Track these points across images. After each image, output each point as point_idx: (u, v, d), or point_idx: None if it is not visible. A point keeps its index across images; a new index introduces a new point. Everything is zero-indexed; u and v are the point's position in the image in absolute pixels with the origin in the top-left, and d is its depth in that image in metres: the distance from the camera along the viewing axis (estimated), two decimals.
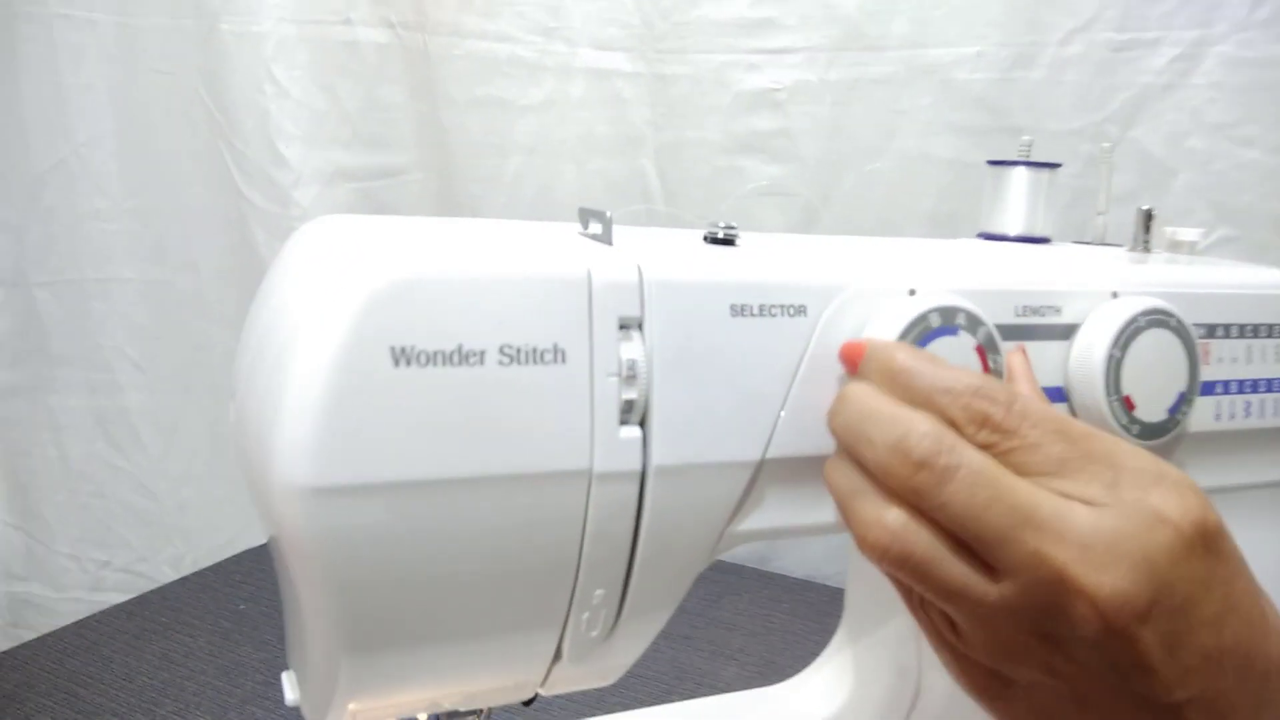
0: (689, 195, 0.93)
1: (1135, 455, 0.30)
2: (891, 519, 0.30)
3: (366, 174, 0.98)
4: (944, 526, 0.29)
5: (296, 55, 0.96)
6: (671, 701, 0.61)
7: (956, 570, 0.29)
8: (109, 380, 1.01)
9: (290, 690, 0.35)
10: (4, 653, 0.69)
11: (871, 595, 0.54)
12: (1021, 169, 0.51)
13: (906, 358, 0.32)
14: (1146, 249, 0.49)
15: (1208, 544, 0.29)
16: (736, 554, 0.97)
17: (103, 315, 1.00)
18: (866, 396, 0.31)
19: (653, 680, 0.69)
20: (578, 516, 0.31)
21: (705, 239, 0.37)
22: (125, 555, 1.03)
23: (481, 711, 0.40)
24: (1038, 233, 0.51)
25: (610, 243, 0.34)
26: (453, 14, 0.92)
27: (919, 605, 0.33)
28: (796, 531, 0.36)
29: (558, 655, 0.34)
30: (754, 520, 0.35)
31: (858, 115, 0.87)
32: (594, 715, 0.58)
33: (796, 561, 0.92)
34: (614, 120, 0.93)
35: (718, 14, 0.88)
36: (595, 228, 0.35)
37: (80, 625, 0.73)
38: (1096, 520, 0.28)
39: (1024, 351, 0.36)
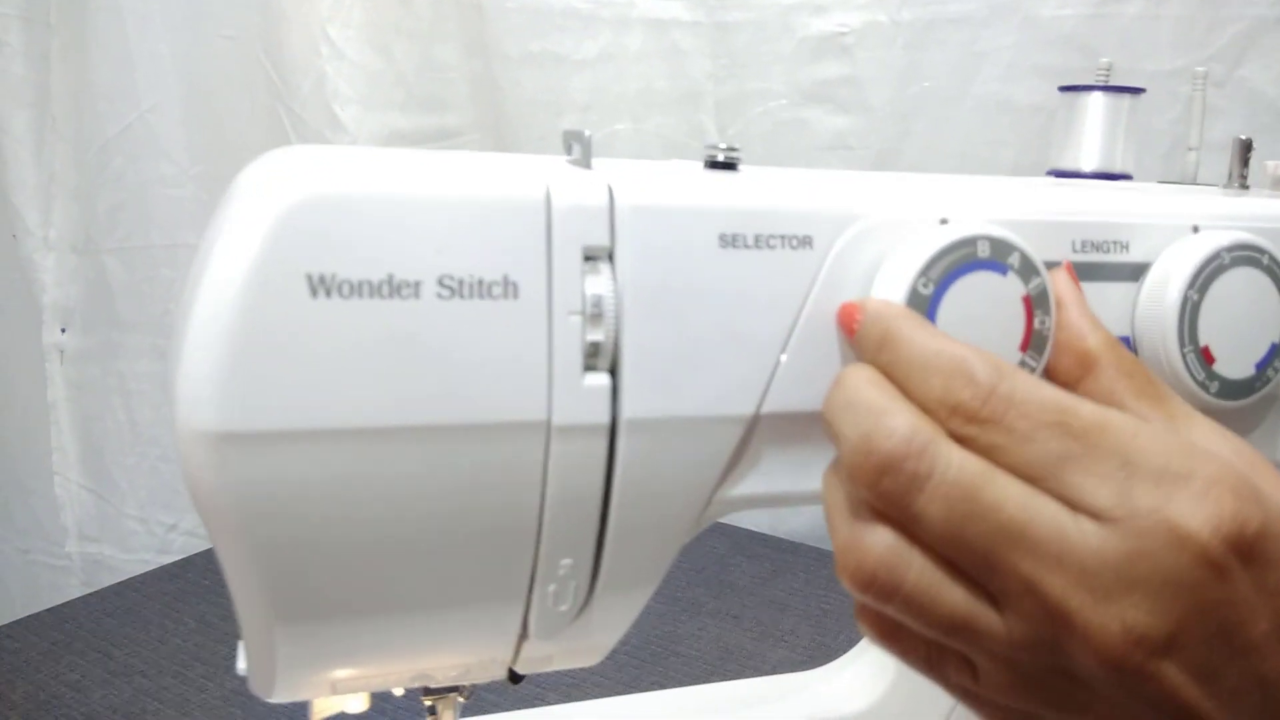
0: (751, 151, 0.87)
1: (1157, 447, 0.24)
2: (874, 542, 0.25)
3: (422, 136, 0.96)
4: (929, 545, 0.24)
5: (352, 14, 0.93)
6: (712, 682, 0.57)
7: (958, 600, 0.24)
8: None
9: (241, 660, 0.32)
10: (46, 611, 0.69)
11: None
12: (1098, 95, 0.45)
13: (902, 327, 0.26)
14: (1244, 186, 0.43)
15: (1247, 555, 0.23)
16: (793, 530, 0.93)
17: (169, 281, 1.01)
18: (853, 380, 0.26)
19: (695, 660, 0.65)
20: (535, 475, 0.27)
21: (706, 164, 0.33)
22: (192, 518, 1.03)
23: (463, 687, 0.36)
24: (1116, 169, 0.45)
25: (589, 167, 0.30)
26: None
27: (920, 653, 0.27)
28: (802, 499, 0.31)
29: (525, 631, 0.30)
30: (749, 484, 0.30)
31: (933, 59, 0.80)
32: (623, 694, 0.54)
33: None
34: (672, 74, 0.88)
35: None
36: (577, 152, 0.31)
37: (122, 586, 0.73)
38: (1102, 540, 0.23)
39: (1070, 269, 0.30)
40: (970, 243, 0.28)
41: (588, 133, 0.30)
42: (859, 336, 0.28)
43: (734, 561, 0.81)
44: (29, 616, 0.68)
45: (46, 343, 1.02)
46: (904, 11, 0.80)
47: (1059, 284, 0.29)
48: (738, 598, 0.74)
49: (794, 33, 0.83)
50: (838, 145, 0.84)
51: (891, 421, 0.24)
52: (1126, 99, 0.44)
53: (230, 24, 0.97)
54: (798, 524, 0.89)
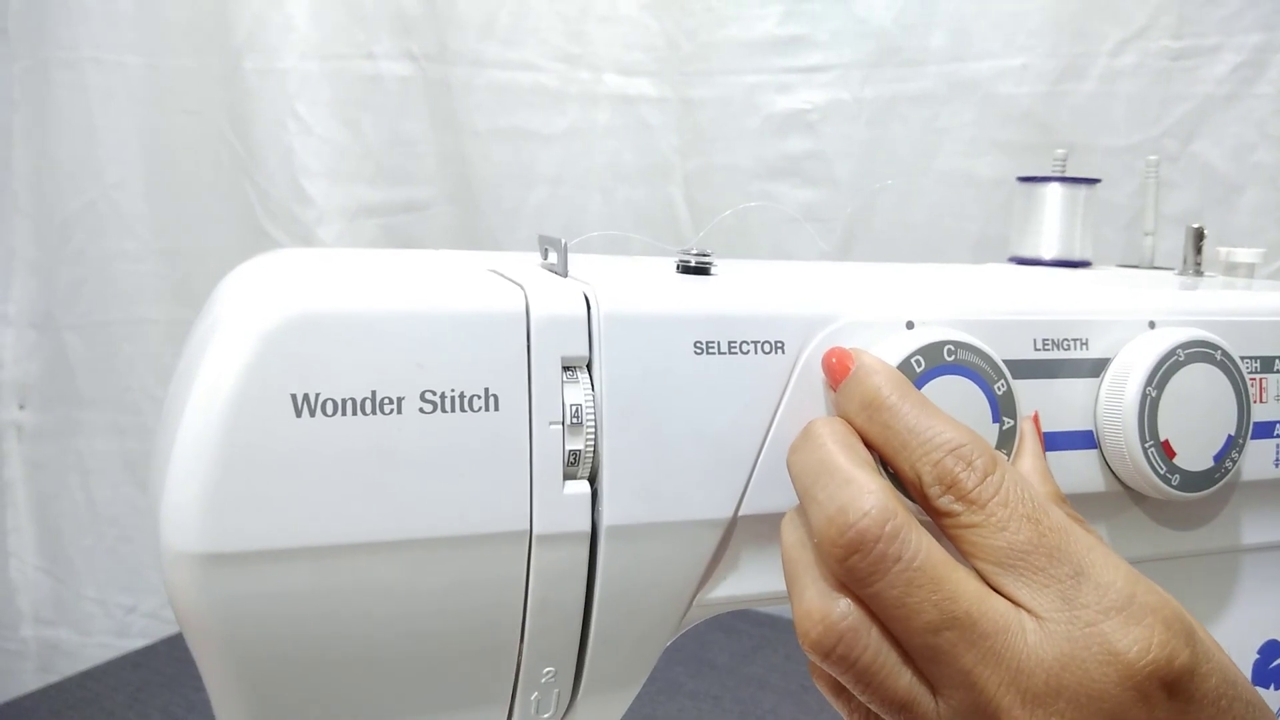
0: (721, 224, 0.89)
1: (1107, 565, 0.25)
2: (838, 613, 0.25)
3: (390, 209, 0.96)
4: (883, 624, 0.25)
5: (319, 91, 0.94)
6: None
7: (903, 682, 0.25)
8: (137, 423, 1.00)
9: None
10: (3, 705, 0.67)
11: None
12: (1055, 185, 0.46)
13: (893, 392, 0.27)
14: (1198, 272, 0.44)
15: (1172, 687, 0.24)
16: (774, 606, 0.92)
17: (130, 357, 1.00)
18: (829, 440, 0.27)
19: None
20: (517, 585, 0.27)
21: (678, 268, 0.33)
22: (152, 600, 1.01)
23: None
24: (1075, 256, 0.46)
25: (565, 273, 0.30)
26: (474, 43, 0.90)
27: (861, 715, 0.28)
28: (782, 599, 0.31)
29: None
30: (728, 587, 0.30)
31: (895, 134, 0.82)
32: None
33: None
34: (641, 148, 0.90)
35: (745, 33, 0.84)
36: (553, 257, 0.32)
37: (84, 676, 0.71)
38: (1040, 641, 0.24)
39: (1036, 420, 0.32)
40: (937, 348, 0.29)
41: (564, 240, 0.31)
42: (848, 388, 0.28)
43: (713, 639, 0.80)
44: None
45: (3, 419, 1.00)
46: (866, 89, 0.82)
47: (1024, 429, 0.31)
48: (717, 677, 0.74)
49: (759, 109, 0.85)
50: (806, 218, 0.85)
51: (867, 500, 0.25)
52: (1083, 189, 0.46)
53: (195, 99, 0.97)
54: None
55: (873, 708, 0.26)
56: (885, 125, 0.83)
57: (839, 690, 0.28)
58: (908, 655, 0.25)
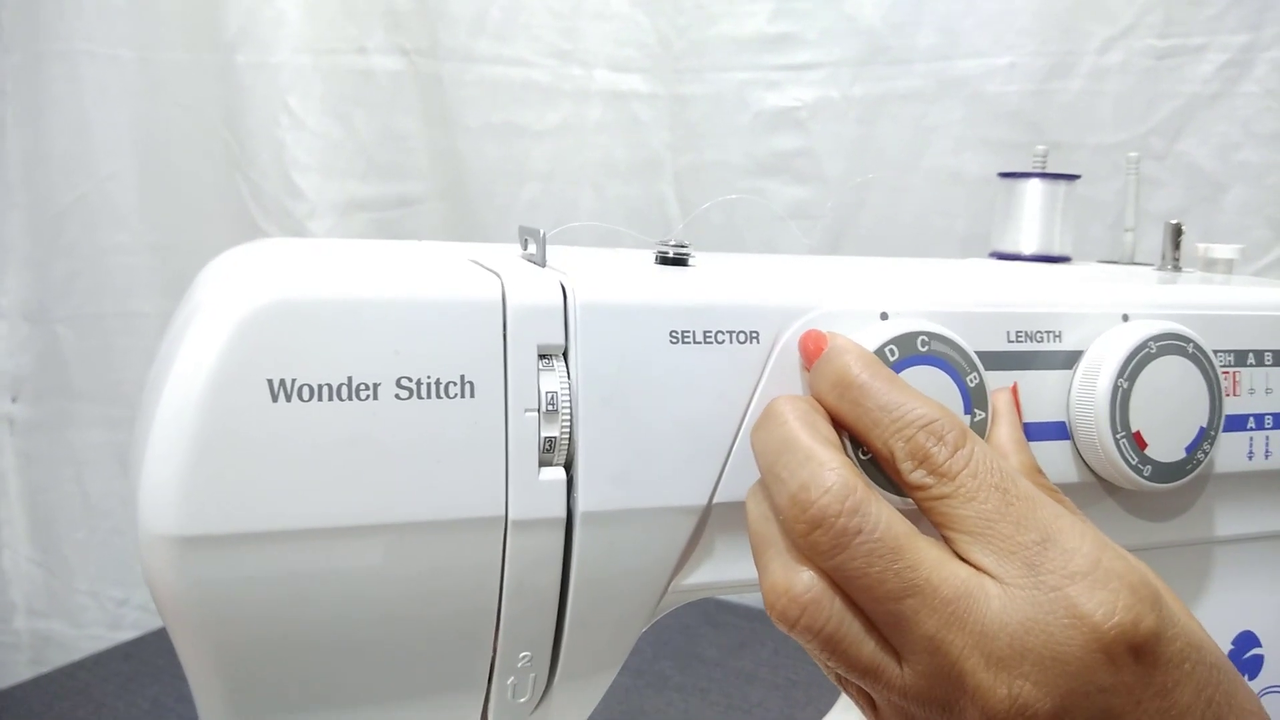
0: (709, 219, 0.89)
1: (1074, 532, 0.25)
2: (801, 585, 0.26)
3: (382, 204, 0.97)
4: (847, 594, 0.25)
5: (311, 85, 0.94)
6: None
7: (867, 649, 0.26)
8: (129, 416, 0.99)
9: None
10: None
11: None
12: (1035, 181, 0.46)
13: (864, 371, 0.28)
14: (1176, 268, 0.45)
15: (1138, 650, 0.24)
16: (753, 595, 0.93)
17: (124, 350, 1.00)
18: (791, 418, 0.27)
19: None
20: (493, 570, 0.28)
21: (656, 260, 0.34)
22: (143, 593, 1.01)
23: None
24: (1055, 251, 0.46)
25: (543, 263, 0.31)
26: (465, 39, 0.91)
27: (834, 676, 0.29)
28: (756, 586, 0.32)
29: None
30: (704, 573, 0.31)
31: (884, 132, 0.83)
32: None
33: None
34: (632, 144, 0.90)
35: (736, 30, 0.85)
36: (533, 248, 0.32)
37: (74, 667, 0.72)
38: (1004, 605, 0.24)
39: (1015, 392, 0.32)
40: (910, 338, 0.30)
41: (542, 230, 0.31)
42: (820, 368, 0.29)
43: (701, 632, 0.81)
44: None
45: None
46: (855, 87, 0.82)
47: (999, 402, 0.31)
48: (705, 670, 0.74)
49: (749, 106, 0.85)
50: (795, 214, 0.85)
51: (828, 476, 0.26)
52: (1063, 185, 0.46)
53: (188, 93, 0.97)
54: None
55: (841, 674, 0.27)
56: (874, 123, 0.83)
57: (813, 654, 0.29)
58: (872, 624, 0.26)
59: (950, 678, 0.24)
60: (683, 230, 0.90)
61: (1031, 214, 0.46)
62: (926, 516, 0.27)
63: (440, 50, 0.91)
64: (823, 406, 0.29)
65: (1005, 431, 0.31)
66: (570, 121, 0.91)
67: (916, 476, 0.26)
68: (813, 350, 0.30)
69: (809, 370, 0.30)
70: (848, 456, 0.27)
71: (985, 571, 0.25)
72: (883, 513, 0.25)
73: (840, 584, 0.26)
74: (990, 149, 0.80)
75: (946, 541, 0.26)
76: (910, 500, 0.27)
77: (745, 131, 0.86)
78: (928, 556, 0.25)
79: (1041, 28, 0.77)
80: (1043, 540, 0.25)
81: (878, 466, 0.28)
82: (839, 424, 0.29)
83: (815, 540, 0.25)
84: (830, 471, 0.26)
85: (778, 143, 0.86)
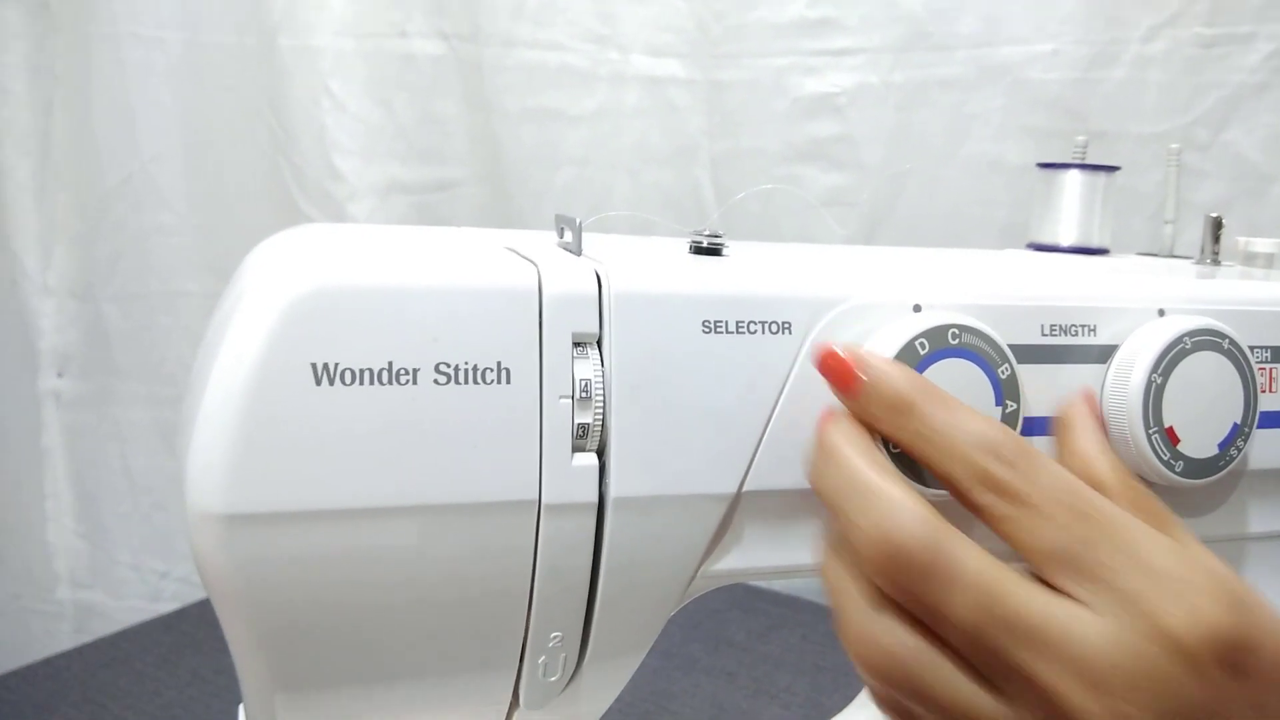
0: (745, 207, 0.89)
1: (1160, 552, 0.25)
2: (886, 635, 0.26)
3: (421, 187, 0.98)
4: (939, 636, 0.25)
5: (353, 69, 0.95)
6: None
7: (965, 691, 0.25)
8: (172, 393, 1.02)
9: None
10: (39, 663, 0.70)
11: None
12: (1075, 172, 0.46)
13: (917, 395, 0.28)
14: (1216, 261, 0.44)
15: (1234, 666, 0.24)
16: (791, 585, 0.93)
17: (167, 329, 1.02)
18: (851, 454, 0.27)
19: (688, 718, 0.66)
20: (526, 552, 0.28)
21: (690, 249, 0.34)
22: (183, 566, 1.04)
23: None
24: (1094, 243, 0.46)
25: (579, 252, 0.31)
26: (505, 23, 0.91)
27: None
28: (784, 572, 0.32)
29: (515, 700, 0.31)
30: (732, 559, 0.31)
31: (924, 120, 0.82)
32: None
33: None
34: (668, 130, 0.90)
35: (774, 15, 0.84)
36: (569, 236, 0.33)
37: (116, 637, 0.73)
38: (1096, 632, 0.24)
39: (1092, 400, 0.32)
40: (941, 331, 0.30)
41: (578, 219, 0.32)
42: (868, 396, 0.28)
43: (731, 616, 0.81)
44: (22, 668, 0.69)
45: (42, 388, 1.03)
46: (895, 73, 0.82)
47: (1073, 410, 0.31)
48: (734, 654, 0.75)
49: (787, 92, 0.85)
50: (832, 202, 0.85)
51: (904, 514, 0.25)
52: (1103, 176, 0.46)
53: (232, 75, 0.99)
54: (796, 579, 0.89)
55: None
56: (914, 110, 0.83)
57: (901, 711, 0.28)
58: (964, 662, 0.25)
59: (1052, 709, 0.24)
60: (718, 218, 0.90)
61: (1070, 205, 0.46)
62: (1002, 539, 0.26)
63: (480, 35, 0.92)
64: (875, 430, 0.28)
65: (1085, 438, 0.30)
66: (607, 107, 0.91)
67: (983, 499, 0.26)
68: (839, 370, 0.29)
69: (848, 394, 0.29)
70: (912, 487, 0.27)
71: (1069, 595, 0.25)
72: (964, 548, 0.25)
73: (928, 625, 0.25)
74: (1031, 137, 0.79)
75: (1023, 566, 0.26)
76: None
77: (783, 118, 0.86)
78: (1013, 588, 0.25)
79: (1086, 15, 0.76)
80: (1128, 558, 0.25)
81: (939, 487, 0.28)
82: (892, 444, 0.28)
83: (902, 584, 0.25)
84: (905, 511, 0.25)
85: (815, 129, 0.85)
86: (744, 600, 0.84)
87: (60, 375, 1.03)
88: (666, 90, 0.90)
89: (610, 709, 0.34)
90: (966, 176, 0.82)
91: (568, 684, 0.31)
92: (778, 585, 0.88)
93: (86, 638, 0.96)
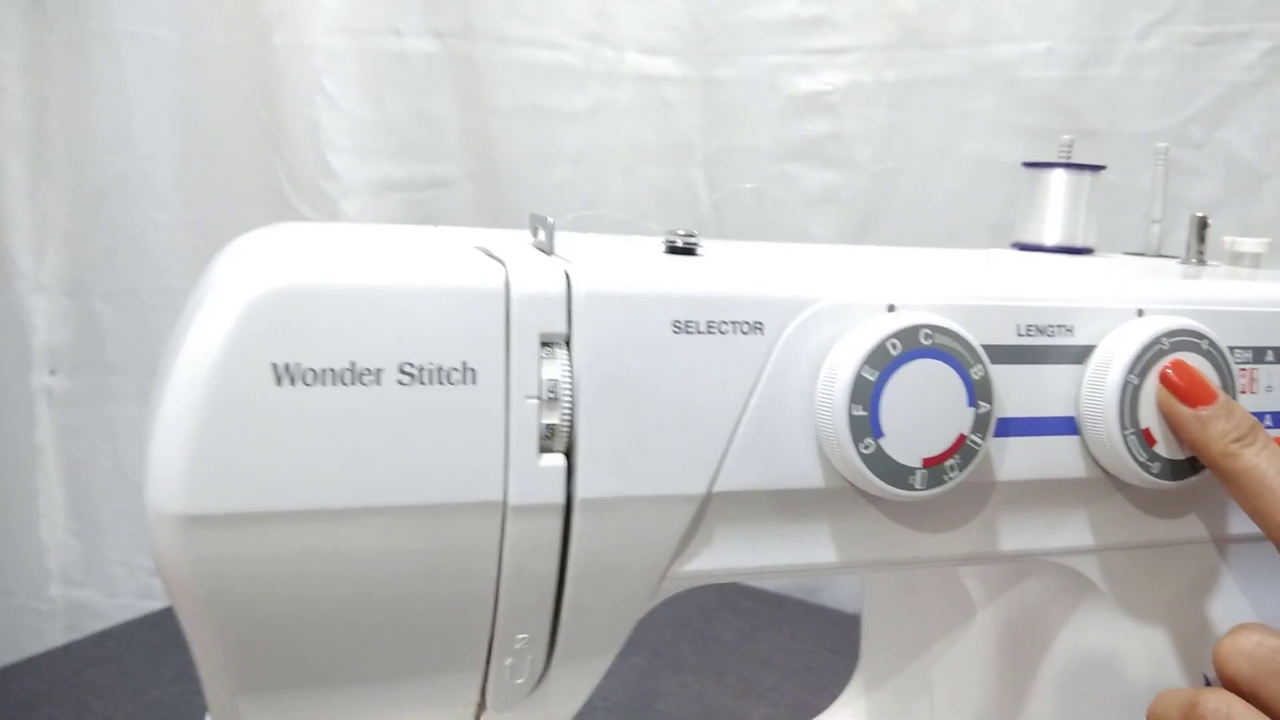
0: (738, 205, 0.89)
1: None
2: None
3: (414, 185, 0.97)
4: None
5: (347, 67, 0.95)
6: None
7: None
8: None
9: None
10: (26, 660, 0.70)
11: (887, 643, 0.49)
12: (1060, 171, 0.46)
13: None
14: (1201, 261, 0.44)
15: None
16: (781, 584, 0.93)
17: (159, 326, 1.01)
18: None
19: (674, 718, 0.65)
20: (491, 554, 0.28)
21: (665, 249, 0.34)
22: None
23: None
24: (1078, 243, 0.46)
25: (551, 251, 0.31)
26: (499, 20, 0.91)
27: None
28: (755, 573, 0.32)
29: (482, 703, 0.31)
30: (702, 560, 0.31)
31: (916, 118, 0.82)
32: None
33: (848, 595, 0.87)
34: (662, 128, 0.90)
35: (768, 13, 0.84)
36: (542, 235, 0.32)
37: (103, 635, 0.73)
38: None
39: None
40: (913, 332, 0.29)
41: (550, 218, 0.31)
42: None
43: (719, 615, 0.81)
44: (9, 666, 0.69)
45: (35, 385, 1.03)
46: (888, 72, 0.81)
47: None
48: (721, 653, 0.74)
49: (779, 90, 0.85)
50: (825, 201, 0.85)
51: None
52: (1088, 175, 0.46)
53: (226, 73, 0.98)
54: (784, 578, 0.89)
55: None
56: (906, 108, 0.82)
57: None
58: None
59: None
60: (707, 218, 0.90)
61: (1055, 205, 0.46)
62: None
63: (474, 32, 0.92)
64: None
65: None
66: (601, 104, 0.91)
67: None
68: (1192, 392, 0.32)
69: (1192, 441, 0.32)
70: None
71: None
72: None
73: None
74: (1025, 136, 0.79)
75: None
76: None
77: (776, 116, 0.86)
78: None
79: (1079, 13, 0.76)
80: None
81: None
82: None
83: None
84: None
85: (808, 127, 0.85)
86: (733, 599, 0.84)
87: (53, 373, 1.03)
88: (660, 88, 0.89)
89: (595, 707, 0.34)
90: (959, 175, 0.81)
91: (535, 686, 0.31)
92: (768, 584, 0.87)
93: (78, 635, 0.96)
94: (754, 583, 0.87)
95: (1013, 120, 0.79)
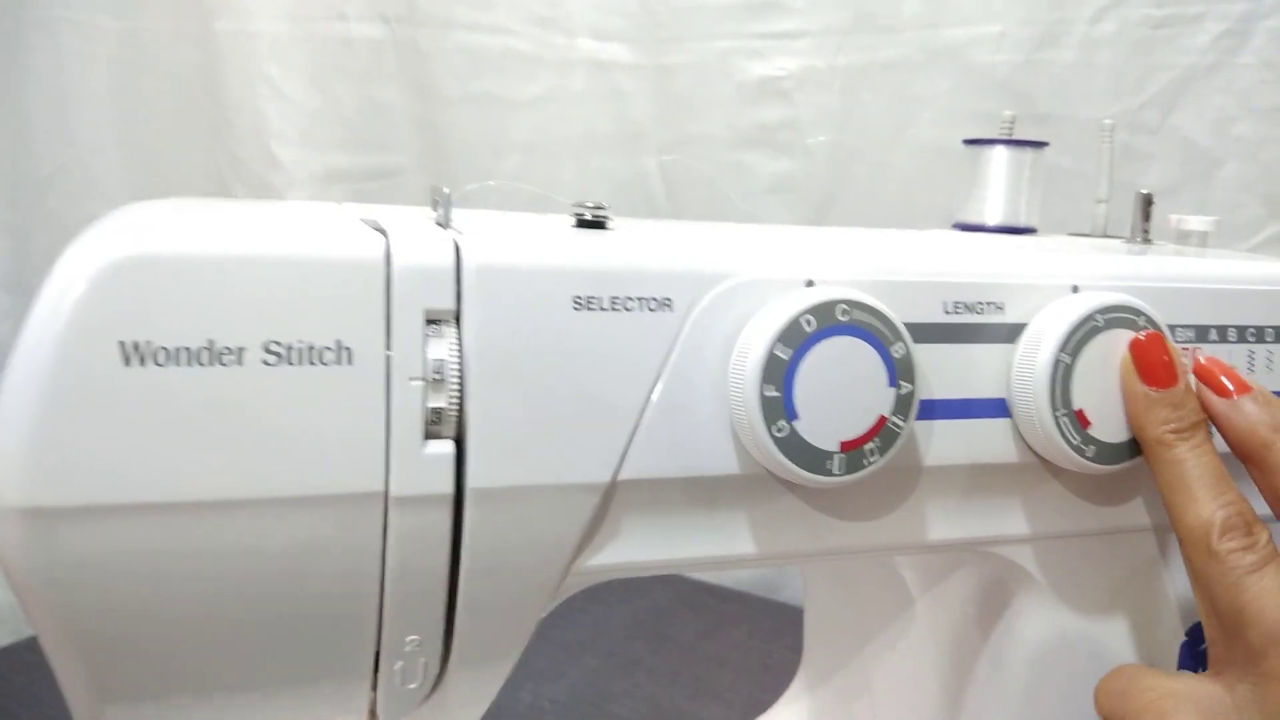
0: (694, 193, 0.87)
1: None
2: None
3: (362, 175, 0.95)
4: None
5: (291, 54, 0.93)
6: None
7: None
8: None
9: None
10: None
11: (827, 639, 0.47)
12: (1001, 149, 0.44)
13: None
14: (1146, 240, 0.42)
15: None
16: (739, 580, 0.91)
17: None
18: None
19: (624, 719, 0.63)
20: (373, 550, 0.26)
21: (575, 223, 0.32)
22: None
23: None
24: (1020, 222, 0.44)
25: (447, 224, 0.29)
26: (446, 5, 0.88)
27: None
28: (666, 567, 0.30)
29: (374, 712, 0.29)
30: (608, 554, 0.29)
31: (869, 103, 0.80)
32: None
33: None
34: (615, 116, 0.88)
35: None
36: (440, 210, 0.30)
37: (33, 640, 0.70)
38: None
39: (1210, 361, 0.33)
40: (829, 307, 0.28)
41: (446, 189, 0.29)
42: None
43: (676, 613, 0.79)
44: None
45: None
46: (840, 57, 0.80)
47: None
48: (677, 653, 0.72)
49: (732, 76, 0.83)
50: (780, 189, 0.83)
51: None
52: (1029, 152, 0.44)
53: (169, 62, 0.96)
54: (743, 573, 0.87)
55: None
56: (858, 94, 0.81)
57: None
58: None
59: None
60: (667, 205, 0.88)
61: (996, 183, 0.44)
62: None
63: (419, 16, 0.89)
64: None
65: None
66: (552, 92, 0.89)
67: None
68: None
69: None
70: None
71: None
72: None
73: None
74: (978, 121, 0.77)
75: None
76: None
77: (729, 102, 0.84)
78: None
79: None
80: None
81: None
82: None
83: None
84: None
85: (761, 114, 0.83)
86: (691, 596, 0.82)
87: None
88: (612, 75, 0.87)
89: (545, 711, 0.32)
90: (913, 160, 0.80)
91: (431, 692, 0.29)
92: (727, 581, 0.86)
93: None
94: (715, 579, 0.85)
95: (966, 105, 0.78)
